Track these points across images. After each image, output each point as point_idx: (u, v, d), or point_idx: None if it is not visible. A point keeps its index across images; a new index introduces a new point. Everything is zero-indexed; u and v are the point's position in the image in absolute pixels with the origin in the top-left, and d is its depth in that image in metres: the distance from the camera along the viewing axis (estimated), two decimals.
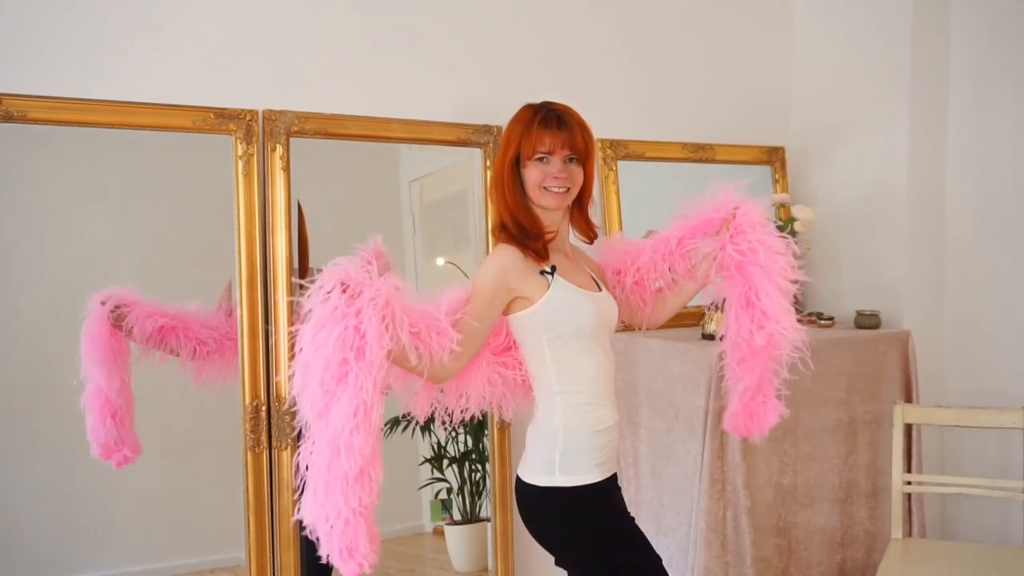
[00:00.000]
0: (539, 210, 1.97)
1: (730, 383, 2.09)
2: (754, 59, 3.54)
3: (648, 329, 2.21)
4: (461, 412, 2.01)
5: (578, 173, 1.96)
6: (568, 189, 1.94)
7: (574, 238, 2.11)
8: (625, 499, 2.93)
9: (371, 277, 1.69)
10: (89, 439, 2.37)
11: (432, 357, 1.78)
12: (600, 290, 2.03)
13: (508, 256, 1.92)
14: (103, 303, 2.38)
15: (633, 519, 2.03)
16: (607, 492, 1.98)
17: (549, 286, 1.91)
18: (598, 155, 3.15)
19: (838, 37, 3.49)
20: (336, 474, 1.63)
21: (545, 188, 1.93)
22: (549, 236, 1.95)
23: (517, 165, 1.95)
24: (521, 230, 1.93)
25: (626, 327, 2.24)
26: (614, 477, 2.03)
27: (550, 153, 1.92)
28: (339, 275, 1.68)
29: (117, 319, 2.39)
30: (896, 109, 3.30)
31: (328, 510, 1.65)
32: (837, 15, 3.50)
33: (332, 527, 1.65)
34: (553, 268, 1.92)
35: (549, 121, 1.92)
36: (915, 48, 3.27)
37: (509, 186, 1.94)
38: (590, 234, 2.07)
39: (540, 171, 1.92)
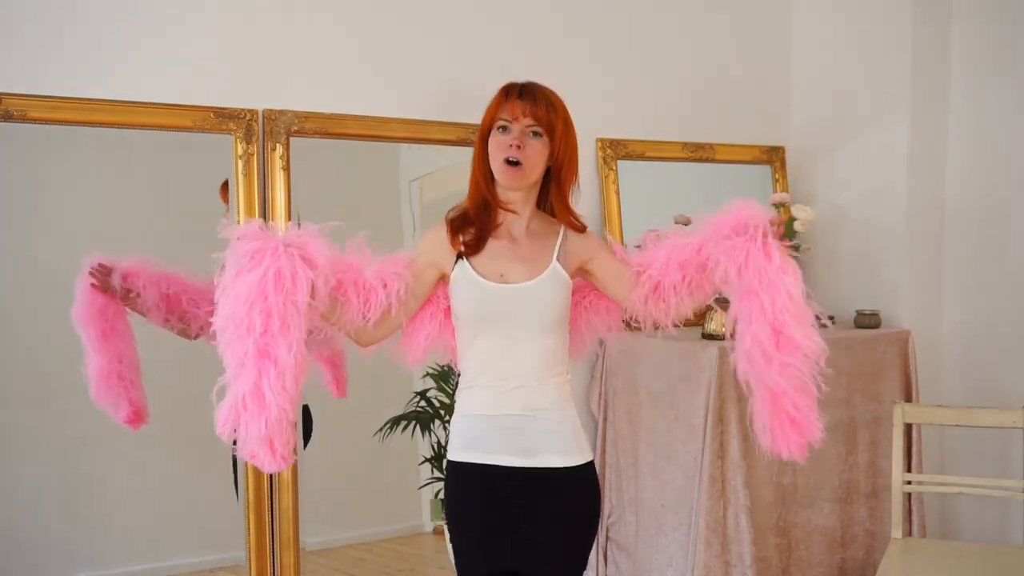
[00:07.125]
0: (500, 190, 1.92)
1: (751, 398, 1.86)
2: (754, 59, 3.54)
3: (655, 328, 1.98)
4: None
5: (538, 150, 1.87)
6: (520, 164, 1.85)
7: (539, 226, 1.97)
8: (625, 499, 2.98)
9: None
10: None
11: (355, 315, 1.85)
12: (526, 281, 1.89)
13: (437, 232, 1.96)
14: (91, 271, 2.32)
15: (492, 527, 1.92)
16: (471, 476, 1.94)
17: (454, 267, 1.93)
18: (597, 154, 3.15)
19: (838, 37, 3.49)
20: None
21: (506, 161, 1.86)
22: (499, 222, 1.93)
23: (487, 143, 1.91)
24: (476, 210, 1.93)
25: (632, 326, 2.09)
26: (492, 468, 1.91)
27: (512, 121, 1.88)
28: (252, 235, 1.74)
29: (124, 292, 2.33)
30: (896, 109, 3.30)
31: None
32: (837, 15, 3.50)
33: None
34: (460, 253, 1.92)
35: (512, 91, 1.91)
36: (915, 48, 3.27)
37: (478, 160, 1.93)
38: (571, 224, 1.94)
39: (499, 141, 1.88)
